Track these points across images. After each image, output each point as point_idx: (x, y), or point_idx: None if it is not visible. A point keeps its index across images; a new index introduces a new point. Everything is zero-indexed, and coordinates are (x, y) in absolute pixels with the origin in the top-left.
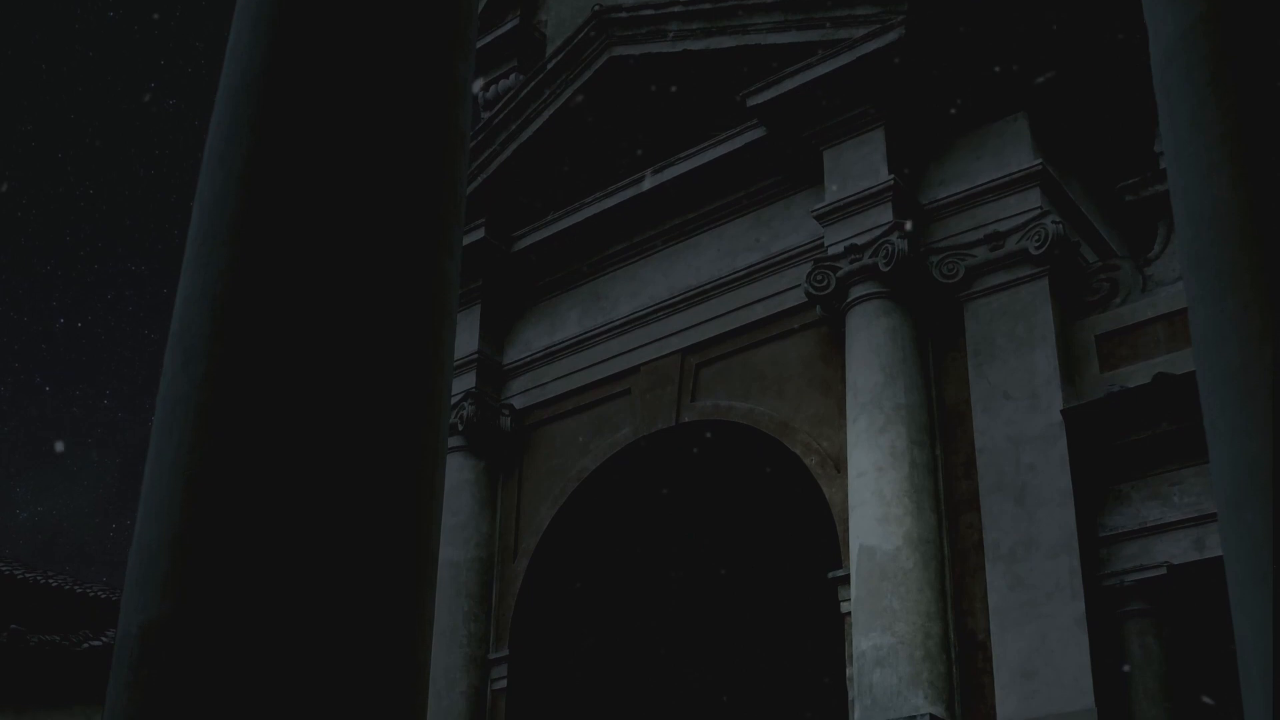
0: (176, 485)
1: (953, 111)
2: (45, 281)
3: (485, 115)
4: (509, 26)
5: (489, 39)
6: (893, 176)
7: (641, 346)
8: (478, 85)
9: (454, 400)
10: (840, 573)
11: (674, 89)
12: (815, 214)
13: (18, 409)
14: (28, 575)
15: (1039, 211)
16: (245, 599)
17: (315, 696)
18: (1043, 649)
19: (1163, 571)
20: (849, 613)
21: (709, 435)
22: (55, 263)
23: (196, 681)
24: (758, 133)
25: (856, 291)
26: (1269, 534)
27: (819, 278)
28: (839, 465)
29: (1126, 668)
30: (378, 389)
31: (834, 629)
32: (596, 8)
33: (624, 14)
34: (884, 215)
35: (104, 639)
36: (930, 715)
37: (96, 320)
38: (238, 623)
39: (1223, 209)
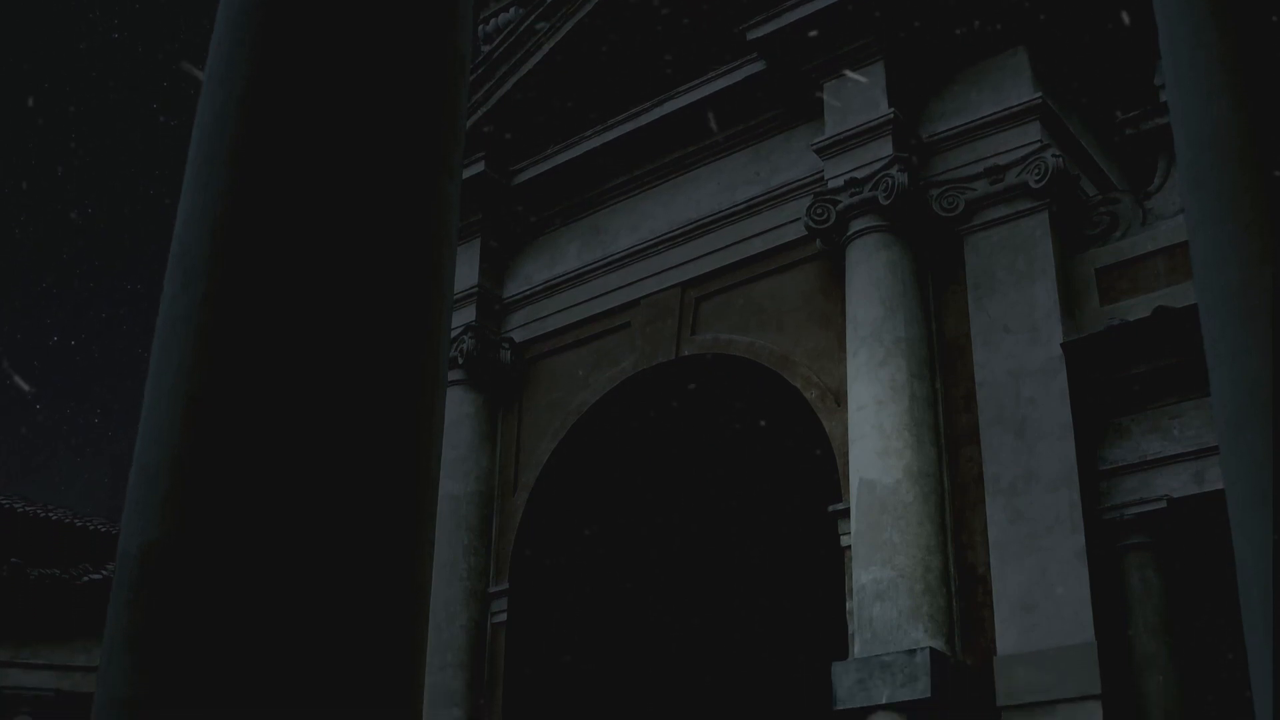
0: (176, 407)
1: (953, 45)
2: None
3: (485, 49)
4: None
5: None
6: (893, 110)
7: (641, 280)
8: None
9: (454, 334)
10: (840, 506)
11: (674, 22)
12: (815, 148)
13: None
14: (27, 509)
15: (1039, 145)
16: (244, 522)
17: (313, 623)
18: (1042, 582)
19: (1163, 505)
20: (849, 546)
21: (709, 369)
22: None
23: (196, 602)
24: (758, 66)
25: (856, 225)
26: (1269, 455)
27: (819, 211)
28: (839, 399)
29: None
30: (377, 315)
31: (834, 562)
32: None
33: None
34: (884, 149)
35: (104, 572)
36: (930, 648)
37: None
38: (237, 545)
39: (1223, 131)
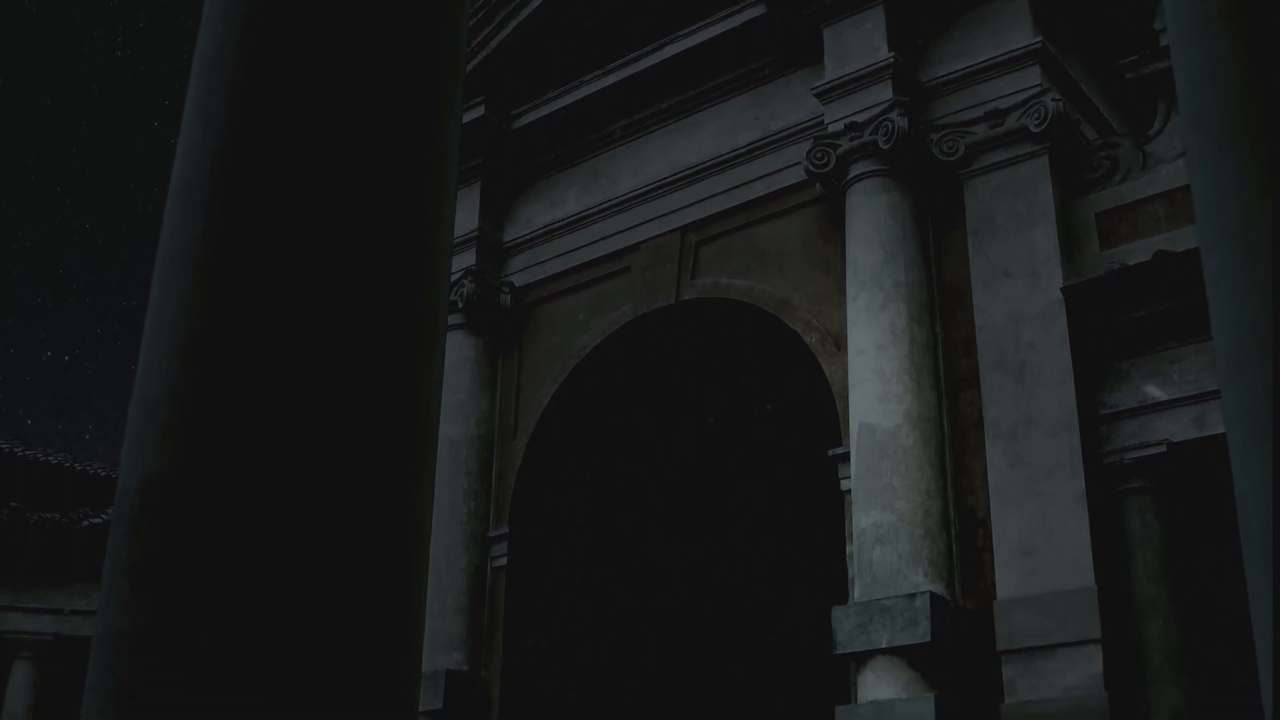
0: (175, 340)
1: None
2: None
3: None
4: None
5: None
6: (893, 54)
7: (641, 224)
8: None
9: (454, 278)
10: (840, 451)
11: None
12: (815, 92)
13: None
14: (27, 453)
15: (1039, 89)
16: (243, 455)
17: (313, 559)
18: (1043, 527)
19: (1163, 449)
20: (849, 491)
21: (709, 313)
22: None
23: (195, 534)
24: (758, 10)
25: (856, 169)
26: (1269, 392)
27: (819, 155)
28: (839, 343)
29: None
30: (376, 255)
31: (834, 507)
32: None
33: None
34: (884, 93)
35: (104, 516)
36: (930, 593)
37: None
38: (236, 478)
39: (1223, 67)
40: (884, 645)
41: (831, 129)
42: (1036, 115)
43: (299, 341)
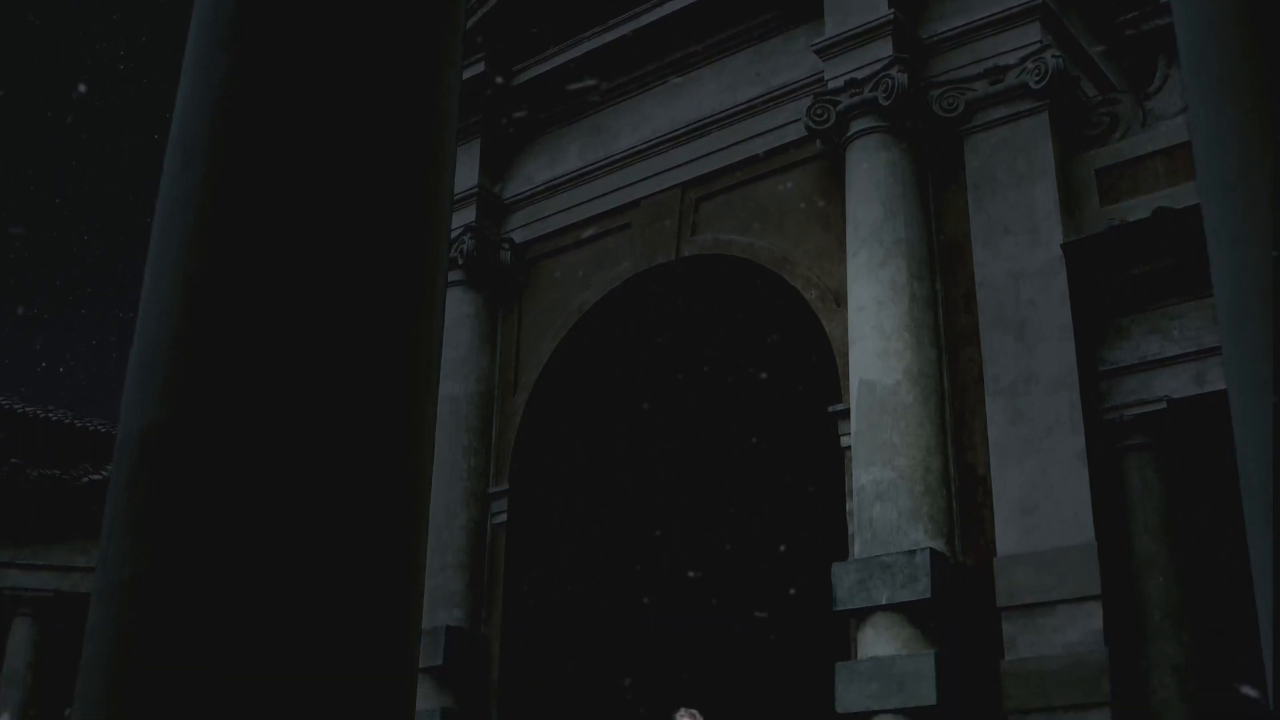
0: (175, 288)
1: None
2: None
3: None
4: None
5: None
6: (892, 11)
7: (642, 180)
8: None
9: (454, 234)
10: (840, 407)
11: None
12: (815, 48)
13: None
14: (27, 409)
15: (1039, 45)
16: (243, 404)
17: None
18: (1043, 483)
19: (1162, 406)
20: (849, 447)
21: (709, 269)
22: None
23: (195, 483)
24: None
25: (856, 126)
26: (1269, 343)
27: (819, 112)
28: (839, 299)
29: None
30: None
31: (834, 463)
32: None
33: None
34: (884, 49)
35: (103, 473)
36: (930, 549)
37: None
38: (236, 427)
39: (1223, 16)
40: (884, 602)
41: (832, 86)
42: (1036, 72)
43: (299, 294)
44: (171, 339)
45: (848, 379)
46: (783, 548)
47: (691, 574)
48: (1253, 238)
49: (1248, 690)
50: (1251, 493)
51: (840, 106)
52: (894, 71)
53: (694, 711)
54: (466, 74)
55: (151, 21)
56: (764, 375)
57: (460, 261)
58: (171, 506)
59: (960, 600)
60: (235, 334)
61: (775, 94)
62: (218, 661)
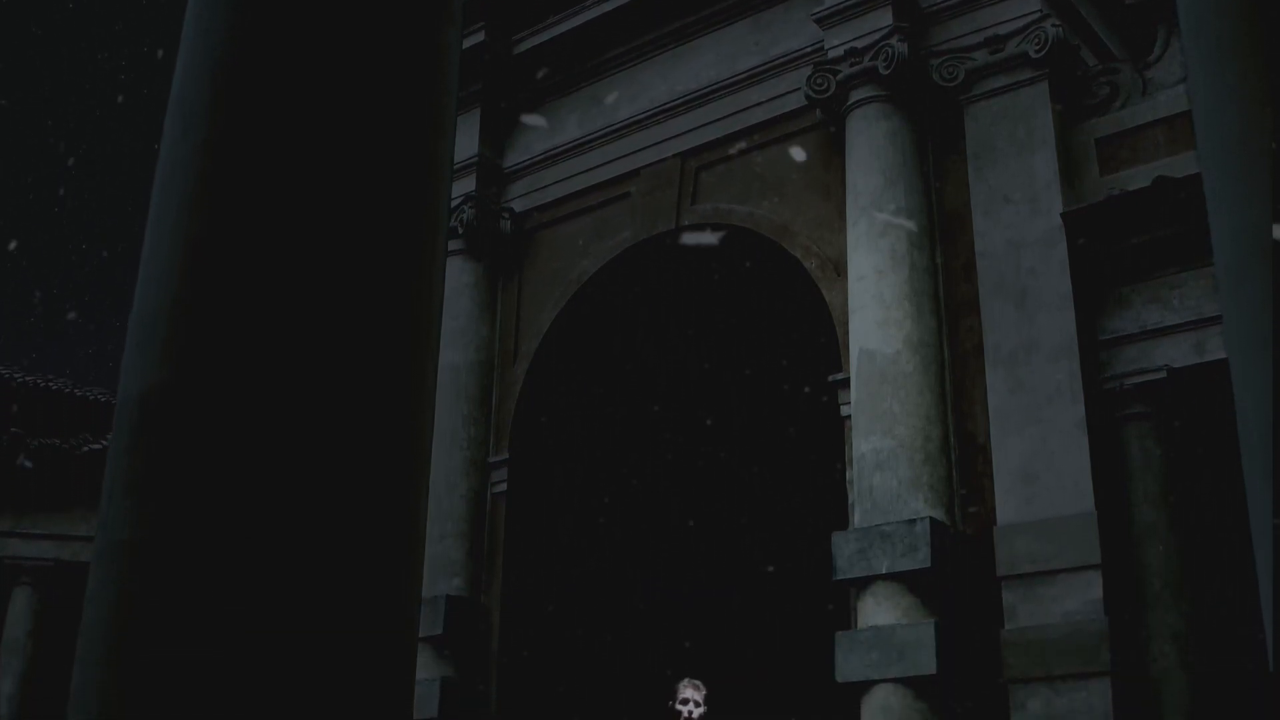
0: (175, 251)
1: None
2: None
3: None
4: None
5: None
6: None
7: (641, 150)
8: None
9: (454, 204)
10: (840, 376)
11: None
12: (815, 17)
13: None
14: (28, 379)
15: (1039, 14)
16: (243, 369)
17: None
18: (1043, 452)
19: (1163, 375)
20: (849, 416)
21: (709, 238)
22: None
23: (195, 445)
24: None
25: (856, 95)
26: (1268, 302)
27: (819, 81)
28: (839, 269)
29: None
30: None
31: (834, 432)
32: None
33: None
34: (884, 18)
35: (103, 442)
36: (930, 518)
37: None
38: (236, 391)
39: None
40: (884, 571)
41: (831, 55)
42: (1036, 41)
43: (300, 261)
44: (171, 301)
45: (847, 348)
46: (783, 516)
47: (691, 543)
48: (1252, 198)
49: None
50: (1251, 451)
51: (840, 76)
52: (894, 41)
53: (697, 682)
54: (467, 43)
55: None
56: (764, 344)
57: (460, 231)
58: (171, 468)
59: (960, 569)
60: (235, 297)
61: (775, 63)
62: (218, 623)
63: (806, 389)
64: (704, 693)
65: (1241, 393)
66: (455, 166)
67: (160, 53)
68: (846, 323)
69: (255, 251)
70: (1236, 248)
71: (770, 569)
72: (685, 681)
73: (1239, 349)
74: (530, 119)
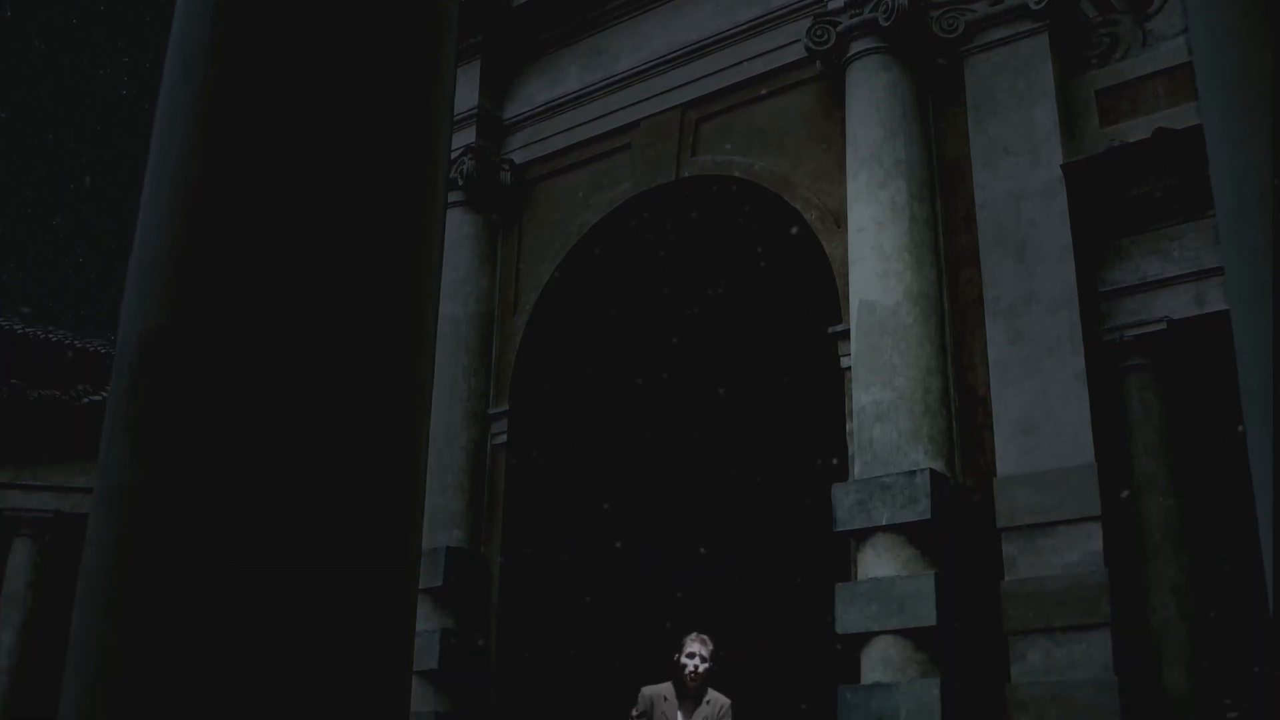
0: (176, 194)
1: None
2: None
3: None
4: None
5: None
6: None
7: (641, 101)
8: None
9: (454, 155)
10: (840, 328)
11: None
12: None
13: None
14: (27, 330)
15: None
16: (242, 313)
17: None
18: (1043, 404)
19: (1163, 326)
20: (849, 368)
21: (709, 190)
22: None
23: (195, 389)
24: None
25: (856, 47)
26: (1268, 245)
27: (819, 33)
28: (839, 220)
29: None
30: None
31: (834, 384)
32: None
33: None
34: None
35: (103, 394)
36: (930, 470)
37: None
38: (235, 334)
39: None
40: (884, 523)
41: (831, 6)
42: None
43: (299, 207)
44: (171, 244)
45: (847, 300)
46: (782, 468)
47: (691, 494)
48: (1252, 140)
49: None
50: (1251, 395)
51: (840, 27)
52: None
53: (704, 636)
54: None
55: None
56: (764, 296)
57: (460, 182)
58: (171, 412)
59: (960, 521)
60: (235, 241)
61: (775, 14)
62: (217, 569)
63: (806, 341)
64: (710, 648)
65: (1242, 336)
66: (455, 118)
67: None
68: (846, 274)
69: (255, 196)
70: (1237, 191)
71: (769, 521)
72: (692, 635)
73: (1239, 292)
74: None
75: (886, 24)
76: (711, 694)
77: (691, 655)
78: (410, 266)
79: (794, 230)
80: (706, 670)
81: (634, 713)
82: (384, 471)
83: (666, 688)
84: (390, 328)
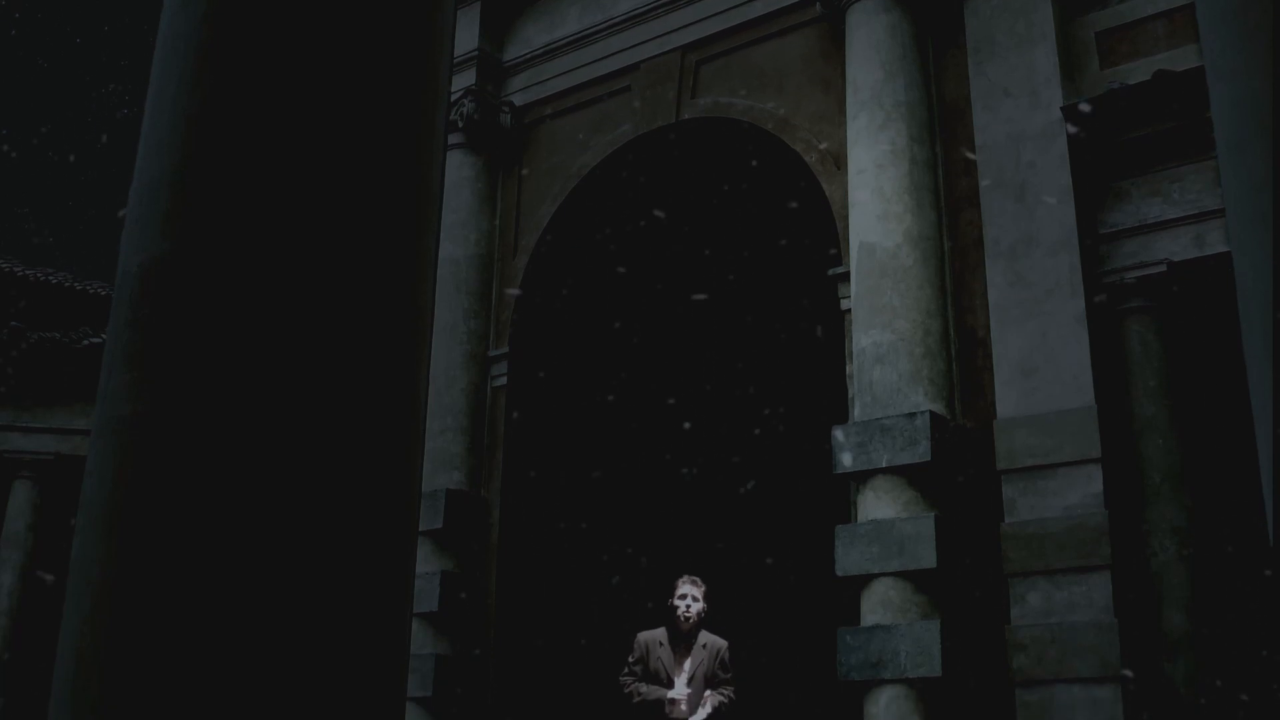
0: (177, 123)
1: None
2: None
3: None
4: None
5: None
6: None
7: (641, 43)
8: None
9: (454, 97)
10: (840, 270)
11: None
12: None
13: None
14: (27, 272)
15: None
16: (243, 239)
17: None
18: (1043, 346)
19: (1163, 268)
20: (849, 310)
21: (709, 132)
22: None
23: (195, 318)
24: None
25: None
26: (1269, 175)
27: None
28: (839, 162)
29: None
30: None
31: (834, 326)
32: None
33: None
34: None
35: (103, 336)
36: (930, 412)
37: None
38: (236, 262)
39: None
40: (884, 464)
41: None
42: None
43: (300, 140)
44: (172, 173)
45: (847, 242)
46: (782, 411)
47: (690, 436)
48: (1252, 70)
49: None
50: (1251, 325)
51: None
52: None
53: (695, 578)
54: None
55: None
56: (763, 238)
57: (460, 124)
58: (172, 341)
59: (960, 463)
60: (235, 171)
61: None
62: (216, 499)
63: (806, 283)
64: (703, 589)
65: (1242, 264)
66: (455, 60)
67: None
68: (846, 216)
69: (255, 128)
70: (1236, 119)
71: (770, 463)
72: (684, 578)
73: (1238, 221)
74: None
75: None
76: (705, 636)
77: (684, 597)
78: (410, 205)
79: (794, 172)
80: (700, 611)
81: (630, 659)
82: (383, 412)
83: (660, 633)
84: (390, 266)
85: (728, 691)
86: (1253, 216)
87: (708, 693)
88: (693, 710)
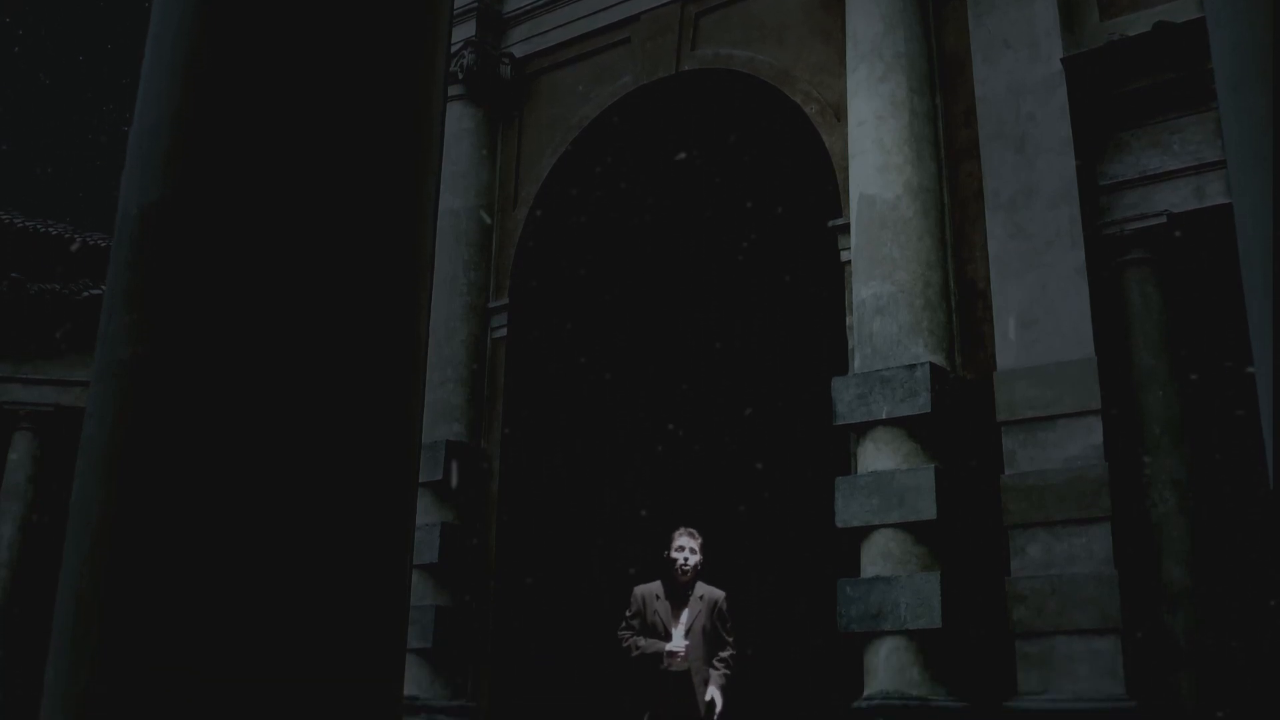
0: (177, 67)
1: None
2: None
3: None
4: None
5: None
6: None
7: None
8: None
9: (454, 49)
10: (840, 221)
11: None
12: None
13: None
14: (27, 224)
15: None
16: (243, 183)
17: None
18: (1043, 298)
19: (1163, 220)
20: (849, 261)
21: (709, 84)
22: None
23: (195, 262)
24: None
25: None
26: (1269, 118)
27: None
28: (839, 114)
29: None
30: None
31: (834, 278)
32: None
33: None
34: None
35: (103, 288)
36: (930, 363)
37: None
38: (235, 207)
39: None
40: (884, 416)
41: None
42: None
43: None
44: (172, 116)
45: (848, 193)
46: (783, 362)
47: (690, 389)
48: (1253, 10)
49: None
50: (1251, 266)
51: None
52: None
53: (692, 530)
54: None
55: None
56: (764, 189)
57: (460, 76)
58: (172, 284)
59: (960, 414)
60: (236, 114)
61: None
62: (216, 443)
63: (806, 234)
64: (699, 540)
65: (1241, 207)
66: (455, 11)
67: None
68: (846, 168)
69: (255, 72)
70: (1236, 62)
71: (771, 416)
72: (681, 530)
73: (1238, 163)
74: None
75: None
76: (702, 587)
77: (681, 549)
78: (410, 160)
79: (794, 124)
80: (697, 564)
81: (627, 613)
82: (383, 362)
83: (656, 586)
84: (390, 216)
85: (726, 656)
86: (1252, 158)
87: (711, 671)
88: (690, 661)
